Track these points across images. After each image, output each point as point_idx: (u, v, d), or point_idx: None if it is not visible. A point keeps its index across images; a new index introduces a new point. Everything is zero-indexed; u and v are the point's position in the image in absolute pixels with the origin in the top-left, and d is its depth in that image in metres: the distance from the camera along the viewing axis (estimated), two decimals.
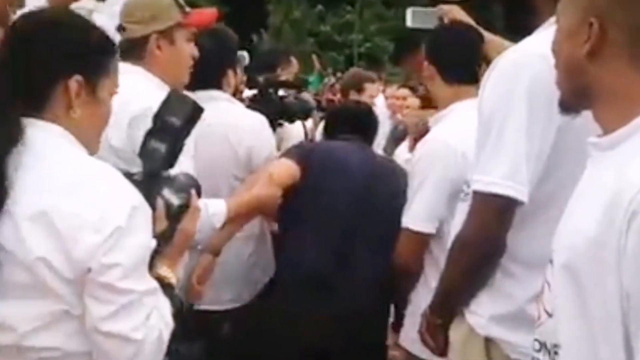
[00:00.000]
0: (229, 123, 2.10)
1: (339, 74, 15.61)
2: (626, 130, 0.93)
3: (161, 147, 1.19)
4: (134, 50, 1.76)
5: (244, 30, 21.03)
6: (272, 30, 18.10)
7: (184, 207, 1.25)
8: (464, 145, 1.84)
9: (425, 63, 2.10)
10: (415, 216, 1.96)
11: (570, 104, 1.05)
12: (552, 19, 1.35)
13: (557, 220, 1.01)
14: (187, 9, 1.86)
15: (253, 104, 2.52)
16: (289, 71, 3.68)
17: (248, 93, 2.98)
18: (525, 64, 1.38)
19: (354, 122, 2.33)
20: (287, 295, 2.05)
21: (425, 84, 2.25)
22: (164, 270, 1.23)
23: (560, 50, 1.04)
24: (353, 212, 2.08)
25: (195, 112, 1.24)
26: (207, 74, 2.03)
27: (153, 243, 1.13)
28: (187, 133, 1.24)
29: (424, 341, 1.65)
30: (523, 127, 1.36)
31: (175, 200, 1.22)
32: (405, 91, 4.52)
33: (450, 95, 2.05)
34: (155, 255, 1.16)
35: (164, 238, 1.21)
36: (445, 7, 2.23)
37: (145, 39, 1.77)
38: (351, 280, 2.03)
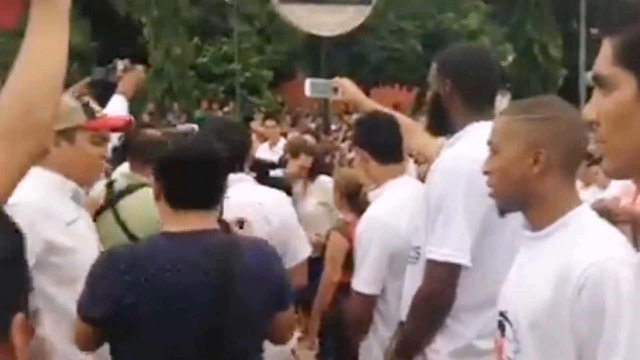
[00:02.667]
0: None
1: (226, 109, 15.91)
2: (556, 225, 1.32)
3: None
4: None
5: None
6: (154, 68, 17.98)
7: None
8: (398, 220, 2.24)
9: (357, 148, 2.44)
10: (363, 281, 2.30)
11: (508, 210, 1.42)
12: (468, 127, 1.87)
13: (488, 277, 1.45)
14: (100, 114, 1.98)
15: None
16: None
17: None
18: (462, 165, 1.80)
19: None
20: None
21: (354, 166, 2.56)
22: None
23: (505, 171, 1.39)
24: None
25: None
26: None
27: None
28: None
29: None
30: (463, 211, 1.78)
31: None
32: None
33: (385, 174, 2.36)
34: None
35: None
36: (339, 80, 2.56)
37: None
38: None
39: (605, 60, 0.88)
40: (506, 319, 1.37)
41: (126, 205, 2.49)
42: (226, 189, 1.78)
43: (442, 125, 2.02)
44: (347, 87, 2.54)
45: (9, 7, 1.27)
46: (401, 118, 2.50)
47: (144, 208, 2.33)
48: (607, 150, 0.92)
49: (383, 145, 2.37)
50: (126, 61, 2.85)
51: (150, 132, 2.94)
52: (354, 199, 3.27)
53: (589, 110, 0.93)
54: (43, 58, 1.12)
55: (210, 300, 1.54)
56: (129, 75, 2.90)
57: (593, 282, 1.21)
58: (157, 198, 1.68)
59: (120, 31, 19.05)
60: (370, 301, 2.31)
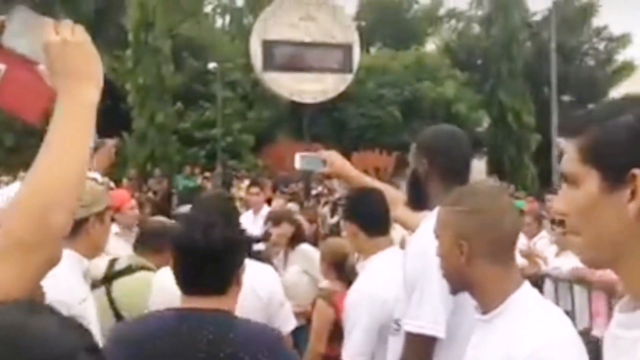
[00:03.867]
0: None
1: (207, 174, 16.01)
2: (498, 311, 1.42)
3: None
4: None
5: (106, 135, 20.51)
6: (137, 133, 18.12)
7: None
8: (384, 293, 2.34)
9: (347, 223, 2.55)
10: (352, 353, 2.39)
11: (456, 291, 1.56)
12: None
13: (462, 350, 1.52)
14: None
15: None
16: None
17: None
18: (434, 244, 1.92)
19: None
20: None
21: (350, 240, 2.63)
22: None
23: (443, 259, 1.53)
24: None
25: None
26: None
27: None
28: None
29: None
30: (437, 286, 1.83)
31: None
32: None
33: (372, 247, 2.48)
34: None
35: None
36: (326, 153, 2.67)
37: (85, 220, 1.96)
38: None
39: (570, 160, 0.97)
40: None
41: (121, 284, 2.54)
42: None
43: (420, 200, 2.13)
44: (335, 160, 2.62)
45: (36, 101, 1.27)
46: (386, 190, 2.62)
47: (138, 291, 2.42)
48: (583, 242, 0.97)
49: (371, 219, 2.49)
50: (96, 138, 2.88)
51: (157, 220, 3.03)
52: (340, 268, 3.36)
53: (558, 204, 1.00)
54: (64, 159, 1.07)
55: None
56: (100, 152, 2.99)
57: None
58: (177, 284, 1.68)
59: (104, 97, 19.25)
60: None
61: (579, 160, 0.96)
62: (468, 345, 1.54)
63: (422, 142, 2.16)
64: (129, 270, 2.59)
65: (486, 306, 1.46)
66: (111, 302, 2.49)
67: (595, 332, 4.22)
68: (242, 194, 9.10)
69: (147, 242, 2.70)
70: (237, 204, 6.29)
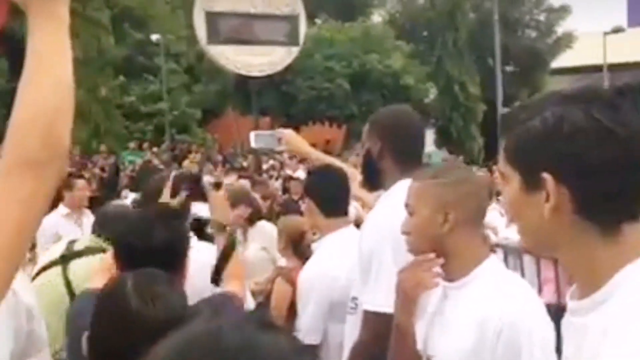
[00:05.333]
0: None
1: (154, 149, 15.69)
2: (470, 277, 1.47)
3: None
4: None
5: None
6: (79, 108, 17.56)
7: None
8: (336, 270, 2.31)
9: (306, 200, 2.50)
10: (303, 330, 2.36)
11: None
12: (396, 185, 1.97)
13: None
14: None
15: None
16: None
17: None
18: (389, 222, 1.86)
19: None
20: None
21: (306, 216, 2.58)
22: None
23: (417, 232, 1.54)
24: None
25: None
26: None
27: None
28: None
29: None
30: (392, 264, 1.82)
31: None
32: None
33: (328, 225, 2.44)
34: None
35: None
36: (283, 131, 2.63)
37: None
38: None
39: (501, 158, 1.02)
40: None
41: (78, 265, 2.48)
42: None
43: (375, 180, 2.12)
44: (291, 138, 2.60)
45: None
46: (343, 166, 2.61)
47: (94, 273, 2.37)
48: (519, 233, 1.04)
49: (329, 198, 2.47)
50: None
51: (119, 204, 2.95)
52: (297, 246, 3.35)
53: (503, 198, 1.08)
54: (55, 73, 1.05)
55: None
56: None
57: (509, 327, 1.38)
58: None
59: None
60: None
61: (504, 160, 1.00)
62: (425, 316, 1.57)
63: (376, 121, 2.14)
64: (87, 251, 2.54)
65: (456, 273, 1.50)
66: (67, 282, 2.43)
67: (544, 299, 4.38)
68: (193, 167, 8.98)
69: (107, 226, 2.62)
70: None
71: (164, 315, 1.29)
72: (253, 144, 2.68)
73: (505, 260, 5.28)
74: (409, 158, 2.07)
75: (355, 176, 2.63)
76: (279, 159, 13.29)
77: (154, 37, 19.63)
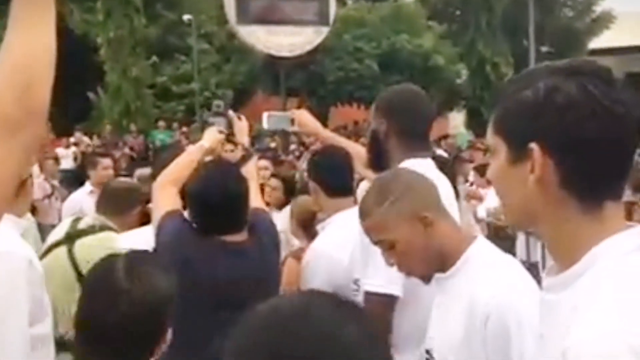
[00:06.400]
0: None
1: (184, 128, 15.85)
2: (457, 266, 1.45)
3: None
4: None
5: (79, 89, 20.11)
6: (111, 88, 17.77)
7: None
8: (341, 252, 2.29)
9: (310, 181, 2.51)
10: None
11: (429, 278, 1.51)
12: (402, 164, 1.96)
13: (425, 308, 1.54)
14: None
15: None
16: None
17: None
18: None
19: None
20: None
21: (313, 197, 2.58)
22: None
23: (408, 253, 1.50)
24: None
25: None
26: None
27: None
28: None
29: None
30: None
31: None
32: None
33: (333, 207, 2.44)
34: None
35: None
36: (296, 112, 2.64)
37: (25, 180, 1.93)
38: None
39: (489, 132, 1.01)
40: (431, 356, 1.50)
41: (83, 243, 2.51)
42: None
43: (380, 161, 2.11)
44: (304, 119, 2.59)
45: None
46: (354, 149, 2.58)
47: (100, 251, 2.40)
48: (503, 209, 1.04)
49: (333, 179, 2.47)
50: None
51: (121, 181, 3.00)
52: (308, 227, 3.37)
53: (488, 172, 1.05)
54: (37, 33, 1.04)
55: None
56: None
57: (496, 312, 1.36)
58: None
59: (75, 51, 18.83)
60: None
61: (492, 131, 1.00)
62: (433, 304, 1.56)
63: (381, 102, 2.13)
64: (92, 229, 2.57)
65: (446, 265, 1.49)
66: (72, 260, 2.47)
67: None
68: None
69: (110, 203, 2.67)
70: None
71: (151, 295, 1.33)
72: (265, 125, 2.68)
73: (527, 243, 5.20)
74: (414, 138, 2.06)
75: (363, 155, 2.62)
76: (304, 140, 13.30)
77: (186, 17, 19.72)
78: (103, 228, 2.58)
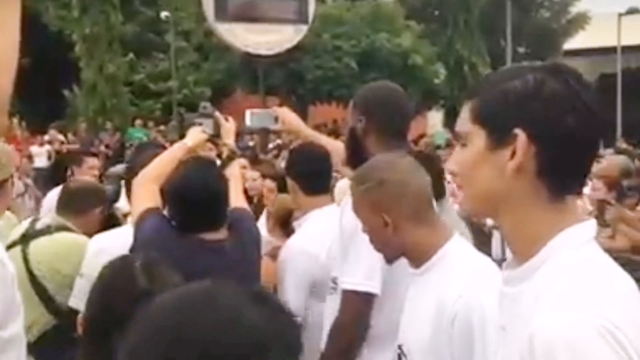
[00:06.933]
0: None
1: (162, 127, 15.70)
2: (428, 264, 1.48)
3: None
4: None
5: (54, 86, 19.80)
6: (87, 85, 17.54)
7: None
8: (316, 248, 2.32)
9: (287, 178, 2.51)
10: None
11: (392, 261, 1.60)
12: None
13: (395, 306, 1.54)
14: None
15: None
16: None
17: None
18: None
19: None
20: None
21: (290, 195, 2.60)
22: None
23: (370, 235, 1.56)
24: None
25: None
26: None
27: None
28: None
29: None
30: None
31: None
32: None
33: (310, 205, 2.46)
34: None
35: None
36: (278, 109, 2.62)
37: (5, 181, 2.00)
38: None
39: (464, 120, 1.03)
40: (402, 352, 1.51)
41: (37, 244, 2.45)
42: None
43: (358, 158, 2.09)
44: (287, 117, 2.58)
45: None
46: (332, 143, 2.58)
47: (52, 252, 2.36)
48: (464, 196, 1.06)
49: (310, 177, 2.47)
50: None
51: (81, 180, 2.93)
52: (285, 225, 3.35)
53: (450, 163, 1.07)
54: (5, 26, 1.04)
55: None
56: None
57: (462, 312, 1.38)
58: None
59: (50, 47, 18.56)
60: None
61: (469, 119, 1.02)
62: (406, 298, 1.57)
63: (359, 99, 2.12)
64: (47, 230, 2.50)
65: (418, 261, 1.51)
66: (26, 261, 2.41)
67: None
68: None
69: (70, 203, 2.60)
70: None
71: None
72: (248, 123, 2.67)
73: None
74: (393, 135, 2.05)
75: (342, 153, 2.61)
76: (283, 139, 13.26)
77: (164, 14, 19.53)
78: (59, 229, 2.50)
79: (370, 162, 1.66)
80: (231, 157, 2.43)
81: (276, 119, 2.57)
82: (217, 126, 2.49)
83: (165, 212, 2.13)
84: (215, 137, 2.46)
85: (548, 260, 0.95)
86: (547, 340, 0.86)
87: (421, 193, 1.53)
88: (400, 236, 1.51)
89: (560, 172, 0.96)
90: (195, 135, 2.40)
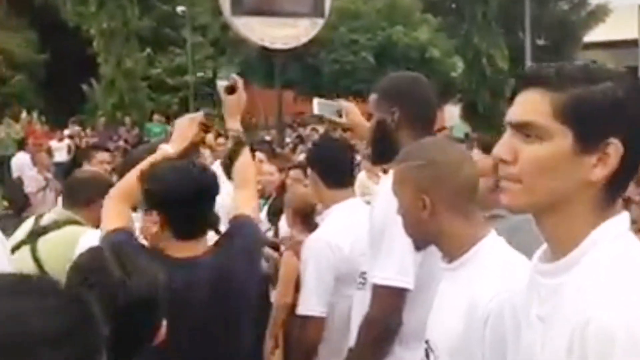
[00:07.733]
0: None
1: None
2: (462, 260, 1.41)
3: None
4: None
5: (73, 81, 19.98)
6: (105, 80, 17.64)
7: None
8: (338, 239, 2.30)
9: (310, 171, 2.49)
10: (307, 304, 2.35)
11: (420, 246, 1.54)
12: None
13: (427, 302, 1.50)
14: None
15: None
16: None
17: None
18: None
19: None
20: None
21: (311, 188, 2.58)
22: None
23: (405, 216, 1.50)
24: None
25: None
26: None
27: None
28: None
29: None
30: (404, 236, 1.65)
31: None
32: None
33: (331, 197, 2.44)
34: None
35: None
36: (344, 103, 2.53)
37: None
38: None
39: (540, 113, 0.97)
40: (430, 347, 1.47)
41: (46, 240, 2.41)
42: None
43: (388, 152, 1.99)
44: (352, 113, 2.47)
45: None
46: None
47: (63, 246, 2.29)
48: (522, 189, 1.00)
49: (333, 170, 2.45)
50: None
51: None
52: (306, 218, 3.31)
53: (503, 150, 1.01)
54: None
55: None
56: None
57: (495, 313, 1.31)
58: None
59: (69, 43, 18.70)
60: (316, 324, 2.36)
61: (552, 116, 0.97)
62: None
63: (388, 89, 2.04)
64: (54, 225, 2.46)
65: (451, 255, 1.46)
66: (35, 258, 2.37)
67: None
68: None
69: (76, 195, 2.54)
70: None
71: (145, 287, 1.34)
72: (316, 111, 2.61)
73: None
74: (425, 125, 1.99)
75: None
76: (301, 133, 13.25)
77: (180, 9, 19.59)
78: (67, 222, 2.45)
79: (420, 142, 1.60)
80: (238, 145, 2.10)
81: (339, 112, 2.51)
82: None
83: (136, 228, 1.97)
84: (208, 120, 2.12)
85: (589, 252, 0.95)
86: (606, 327, 0.86)
87: (467, 183, 1.47)
88: (436, 222, 1.45)
89: (628, 177, 0.99)
90: (178, 142, 2.07)
